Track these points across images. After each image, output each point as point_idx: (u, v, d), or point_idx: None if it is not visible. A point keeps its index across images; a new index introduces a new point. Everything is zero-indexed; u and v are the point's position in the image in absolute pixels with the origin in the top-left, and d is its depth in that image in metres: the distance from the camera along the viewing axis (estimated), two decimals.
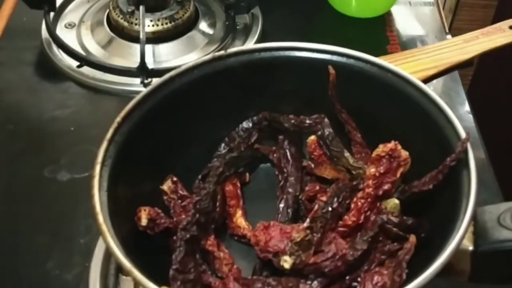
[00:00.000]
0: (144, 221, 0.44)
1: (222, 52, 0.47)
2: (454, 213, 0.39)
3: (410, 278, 0.36)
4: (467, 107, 0.71)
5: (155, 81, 0.46)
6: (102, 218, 0.38)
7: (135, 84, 0.73)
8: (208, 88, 0.46)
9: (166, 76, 0.46)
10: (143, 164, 0.44)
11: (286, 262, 0.42)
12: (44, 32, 0.80)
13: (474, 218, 0.41)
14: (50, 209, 0.61)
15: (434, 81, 0.73)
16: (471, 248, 0.41)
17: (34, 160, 0.66)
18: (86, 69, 0.75)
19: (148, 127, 0.45)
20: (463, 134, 0.42)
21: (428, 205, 0.44)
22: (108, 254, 0.56)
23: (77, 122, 0.70)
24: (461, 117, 0.69)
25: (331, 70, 0.47)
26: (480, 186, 0.59)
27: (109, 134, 0.42)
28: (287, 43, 0.50)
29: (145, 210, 0.45)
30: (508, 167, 0.94)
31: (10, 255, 0.57)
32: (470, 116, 0.70)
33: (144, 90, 0.46)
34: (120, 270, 0.55)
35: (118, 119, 0.43)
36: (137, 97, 0.45)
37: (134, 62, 0.74)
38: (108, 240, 0.37)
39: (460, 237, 0.37)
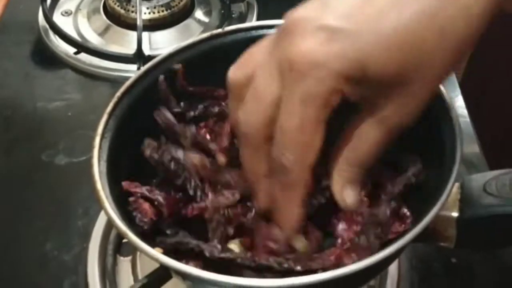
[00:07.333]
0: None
1: (219, 30, 0.48)
2: (440, 181, 0.39)
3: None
4: (460, 101, 0.71)
5: (156, 58, 0.47)
6: (100, 185, 0.39)
7: (131, 70, 0.73)
8: (206, 66, 0.47)
9: (166, 53, 0.47)
10: (143, 137, 0.44)
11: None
12: (41, 19, 0.80)
13: (462, 186, 0.42)
14: (48, 192, 0.62)
15: None
16: (456, 214, 0.42)
17: (32, 145, 0.67)
18: (83, 56, 0.76)
19: (147, 102, 0.45)
20: (451, 106, 0.42)
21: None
22: (106, 235, 0.57)
23: (74, 108, 0.71)
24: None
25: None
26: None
27: (109, 108, 0.43)
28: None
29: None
30: (502, 159, 0.94)
31: (9, 237, 0.58)
32: (464, 110, 0.70)
33: (144, 67, 0.46)
34: (118, 250, 0.56)
35: (118, 93, 0.44)
36: (138, 73, 0.46)
37: (130, 49, 0.74)
38: (105, 205, 0.38)
39: (440, 204, 0.37)
